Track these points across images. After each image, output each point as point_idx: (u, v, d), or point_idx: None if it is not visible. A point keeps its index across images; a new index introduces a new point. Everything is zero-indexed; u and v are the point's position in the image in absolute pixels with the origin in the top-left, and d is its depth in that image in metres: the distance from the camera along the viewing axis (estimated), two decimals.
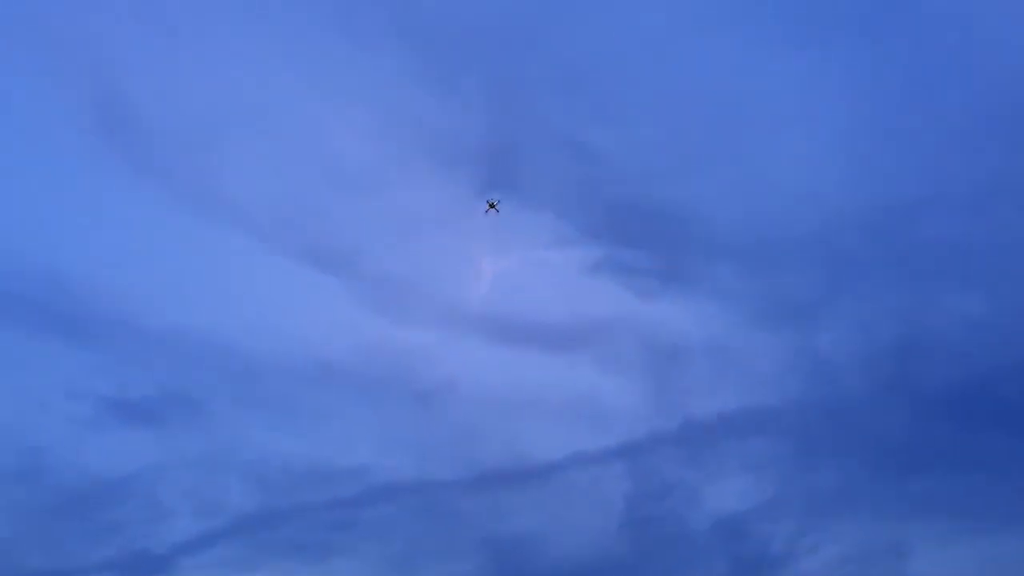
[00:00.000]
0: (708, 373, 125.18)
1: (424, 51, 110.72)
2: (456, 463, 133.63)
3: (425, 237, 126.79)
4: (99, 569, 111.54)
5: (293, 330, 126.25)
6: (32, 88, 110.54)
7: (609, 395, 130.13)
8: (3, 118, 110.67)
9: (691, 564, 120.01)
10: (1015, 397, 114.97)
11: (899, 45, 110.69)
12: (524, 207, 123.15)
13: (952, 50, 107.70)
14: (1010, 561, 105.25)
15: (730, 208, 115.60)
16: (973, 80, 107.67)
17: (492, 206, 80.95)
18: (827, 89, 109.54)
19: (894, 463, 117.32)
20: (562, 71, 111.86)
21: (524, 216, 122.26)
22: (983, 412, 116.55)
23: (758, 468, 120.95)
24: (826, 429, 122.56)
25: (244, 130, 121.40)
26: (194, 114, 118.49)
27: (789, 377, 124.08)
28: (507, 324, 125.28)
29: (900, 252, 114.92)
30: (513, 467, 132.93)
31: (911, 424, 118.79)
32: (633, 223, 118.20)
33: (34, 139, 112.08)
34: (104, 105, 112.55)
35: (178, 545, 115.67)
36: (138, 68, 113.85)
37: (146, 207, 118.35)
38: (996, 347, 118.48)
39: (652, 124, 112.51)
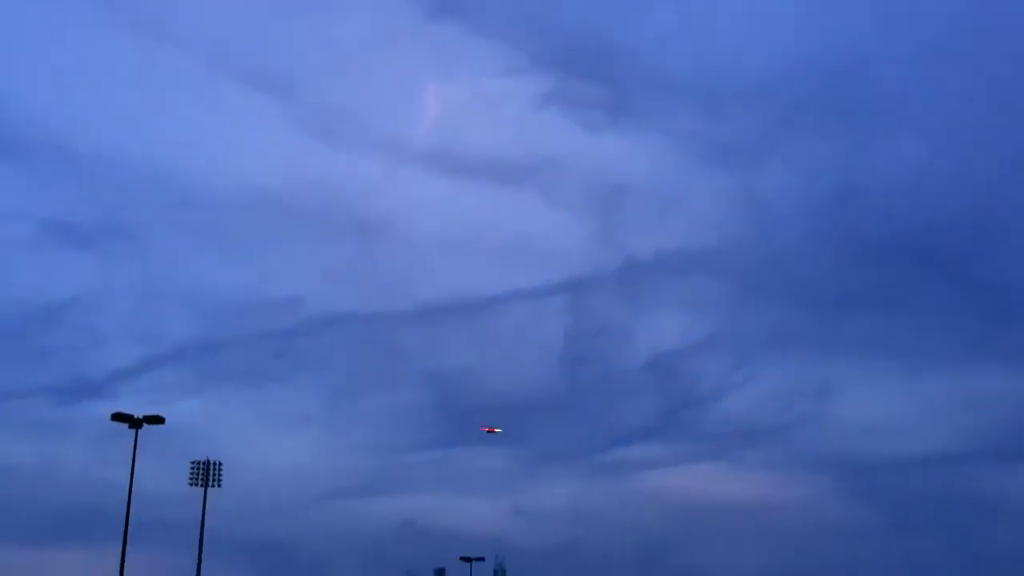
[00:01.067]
0: (651, 212, 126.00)
1: None
2: (396, 296, 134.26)
3: (369, 64, 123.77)
4: (35, 393, 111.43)
5: (232, 158, 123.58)
6: None
7: (552, 232, 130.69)
8: None
9: (626, 399, 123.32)
10: (947, 243, 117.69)
11: None
12: (474, 33, 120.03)
13: None
14: (933, 399, 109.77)
15: (683, 47, 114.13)
16: None
17: (491, 431, 79.21)
18: None
19: (826, 305, 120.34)
20: None
21: (473, 42, 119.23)
22: (915, 257, 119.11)
23: (694, 307, 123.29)
24: (763, 271, 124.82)
25: None
26: None
27: (730, 219, 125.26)
28: (451, 157, 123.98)
29: (846, 101, 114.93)
30: (453, 301, 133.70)
31: (845, 268, 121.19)
32: (586, 55, 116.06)
33: None
34: None
35: (116, 371, 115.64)
36: None
37: (84, 29, 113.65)
38: (933, 194, 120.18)
39: None
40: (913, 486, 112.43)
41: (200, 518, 54.26)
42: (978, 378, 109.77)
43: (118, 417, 17.30)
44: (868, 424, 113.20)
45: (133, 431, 17.29)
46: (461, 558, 36.58)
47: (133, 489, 16.96)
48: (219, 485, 55.14)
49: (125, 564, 16.50)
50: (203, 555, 54.31)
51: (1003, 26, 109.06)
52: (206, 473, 54.01)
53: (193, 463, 55.18)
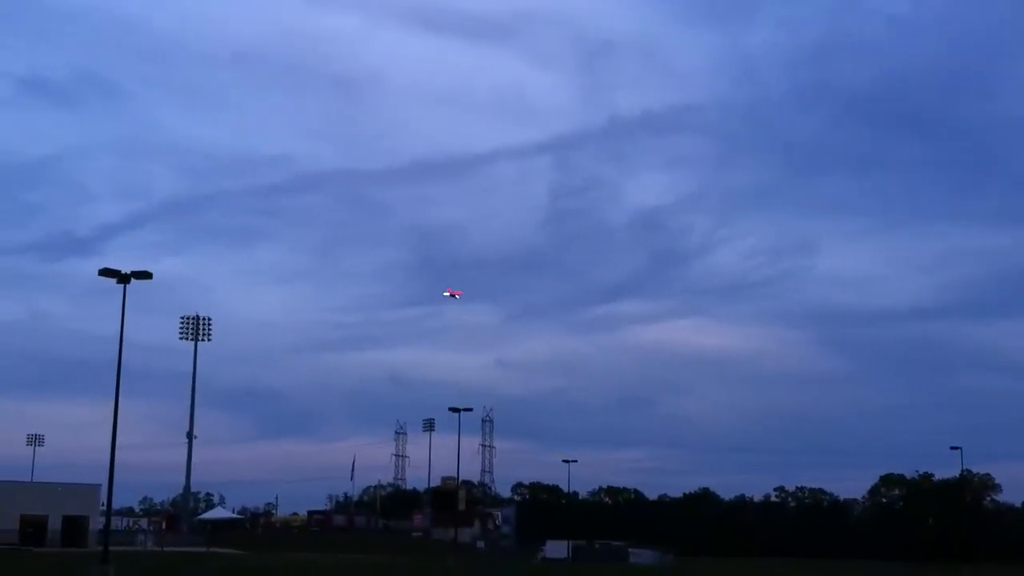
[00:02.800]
0: (636, 70, 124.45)
1: None
2: (380, 153, 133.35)
3: None
4: (22, 251, 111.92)
5: (207, 10, 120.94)
6: None
7: (536, 89, 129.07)
8: None
9: (611, 255, 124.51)
10: (928, 99, 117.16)
11: None
12: None
13: None
14: (913, 256, 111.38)
15: None
16: None
17: (453, 295, 77.12)
18: None
19: (810, 163, 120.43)
20: None
21: None
22: (897, 114, 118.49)
23: (679, 164, 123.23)
24: (747, 128, 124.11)
25: None
26: None
27: (715, 76, 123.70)
28: (433, 13, 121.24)
29: None
30: (438, 158, 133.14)
31: (828, 125, 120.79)
32: None
33: None
34: None
35: (102, 227, 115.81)
36: None
37: None
38: (915, 49, 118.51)
39: None
40: (885, 337, 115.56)
41: (192, 370, 55.87)
42: (950, 236, 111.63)
43: (106, 272, 17.64)
44: (846, 279, 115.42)
45: (121, 286, 17.65)
46: (450, 408, 37.66)
47: (124, 343, 17.49)
48: (208, 339, 56.45)
49: (119, 413, 17.22)
50: (195, 405, 56.12)
51: None
52: (196, 327, 55.22)
53: (183, 318, 56.38)
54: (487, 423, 79.63)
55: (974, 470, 68.19)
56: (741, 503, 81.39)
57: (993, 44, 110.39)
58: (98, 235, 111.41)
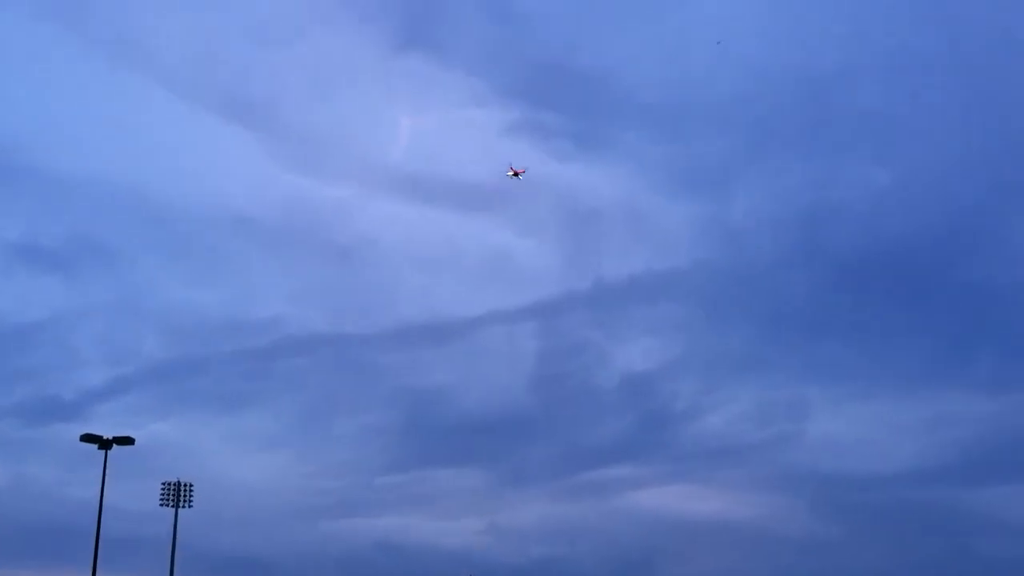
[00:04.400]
0: (621, 236, 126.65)
1: None
2: (371, 318, 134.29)
3: (342, 92, 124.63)
4: (9, 414, 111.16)
5: (206, 180, 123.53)
6: None
7: (524, 255, 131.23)
8: None
9: (601, 419, 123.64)
10: (913, 267, 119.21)
11: None
12: (443, 66, 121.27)
13: None
14: (905, 420, 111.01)
15: (648, 72, 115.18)
16: None
17: (516, 174, 75.80)
18: None
19: (797, 328, 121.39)
20: None
21: (443, 75, 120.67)
22: (883, 280, 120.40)
23: (666, 329, 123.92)
24: (733, 293, 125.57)
25: None
26: None
27: (700, 241, 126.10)
28: (424, 182, 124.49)
29: (814, 122, 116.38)
30: (428, 323, 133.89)
31: (815, 291, 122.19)
32: (552, 85, 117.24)
33: None
34: None
35: (90, 392, 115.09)
36: None
37: (58, 52, 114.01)
38: (899, 218, 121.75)
39: None
40: (879, 502, 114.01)
41: (172, 538, 54.97)
42: (941, 402, 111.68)
43: (87, 438, 17.92)
44: (837, 443, 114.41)
45: (104, 452, 17.90)
46: None
47: (104, 509, 17.62)
48: (190, 505, 55.79)
49: None
50: (175, 574, 54.91)
51: (976, 48, 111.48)
52: (177, 493, 54.68)
53: (164, 484, 55.85)
54: None
55: None
56: None
57: (980, 210, 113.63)
58: (85, 399, 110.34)
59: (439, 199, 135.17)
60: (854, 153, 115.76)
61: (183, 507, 54.86)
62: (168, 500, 54.74)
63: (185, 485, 55.22)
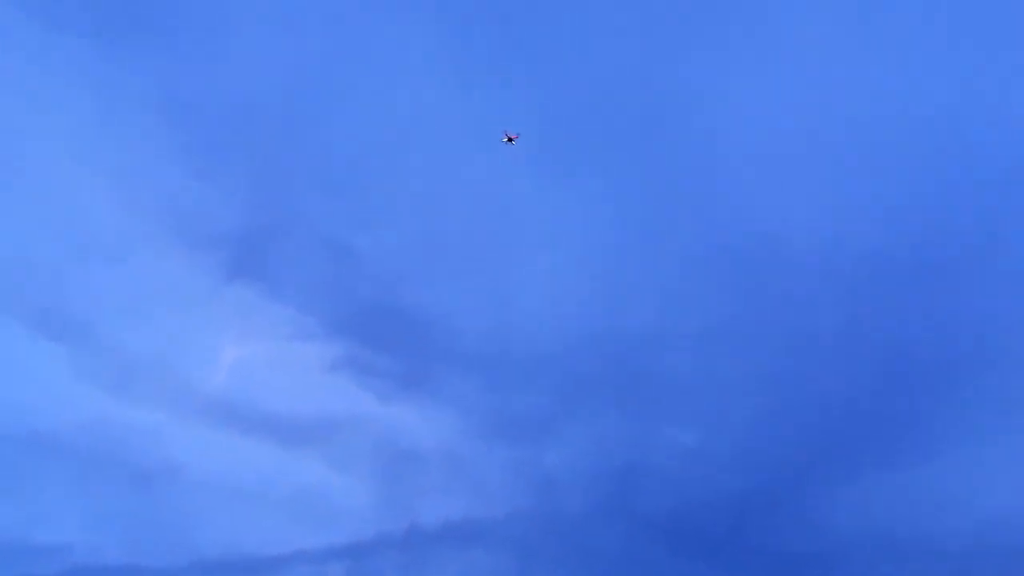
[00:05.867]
0: (438, 480, 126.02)
1: (188, 128, 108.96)
2: (170, 549, 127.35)
3: (165, 315, 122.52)
4: None
5: (5, 391, 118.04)
6: None
7: (337, 493, 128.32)
8: None
9: None
10: (721, 527, 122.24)
11: (647, 183, 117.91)
12: (271, 297, 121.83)
13: (692, 195, 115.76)
14: None
15: (475, 319, 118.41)
16: (708, 226, 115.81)
17: (510, 139, 75.38)
18: (576, 217, 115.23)
19: (608, 574, 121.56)
20: (326, 167, 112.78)
21: (269, 306, 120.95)
22: (692, 538, 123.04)
23: (478, 574, 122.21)
24: (547, 543, 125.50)
25: None
26: None
27: (516, 490, 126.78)
28: (239, 412, 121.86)
29: (628, 380, 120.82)
30: (230, 560, 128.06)
31: (627, 543, 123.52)
32: (378, 324, 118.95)
33: None
34: None
35: None
36: None
37: None
38: (706, 479, 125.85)
39: (408, 230, 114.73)
40: None
41: None
42: None
43: None
44: None
45: None
46: None
47: None
48: None
49: None
50: None
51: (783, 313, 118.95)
52: None
53: None
54: None
55: None
56: None
57: (778, 472, 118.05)
58: None
59: (255, 430, 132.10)
60: (664, 413, 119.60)
61: None
62: None
63: None
